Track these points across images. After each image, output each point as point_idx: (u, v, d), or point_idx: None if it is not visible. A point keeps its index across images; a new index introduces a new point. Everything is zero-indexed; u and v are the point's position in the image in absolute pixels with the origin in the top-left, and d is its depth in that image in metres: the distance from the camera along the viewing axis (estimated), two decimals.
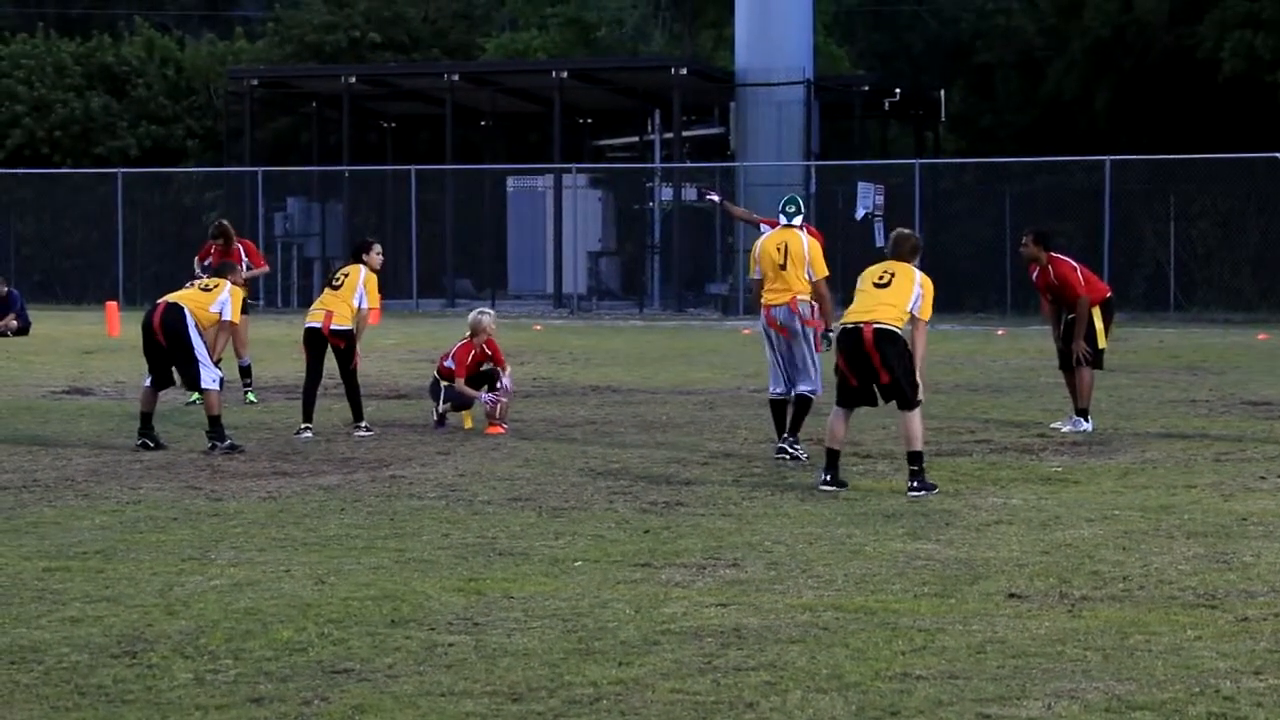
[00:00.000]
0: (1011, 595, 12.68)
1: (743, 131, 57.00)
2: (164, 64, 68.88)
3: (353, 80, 61.07)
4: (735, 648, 11.11)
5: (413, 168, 57.60)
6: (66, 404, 26.27)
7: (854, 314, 17.77)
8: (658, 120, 59.25)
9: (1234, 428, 23.21)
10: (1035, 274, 22.96)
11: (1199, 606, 12.33)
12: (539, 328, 45.98)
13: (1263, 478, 18.60)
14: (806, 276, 20.36)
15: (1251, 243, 53.39)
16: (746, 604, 12.38)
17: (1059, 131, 60.93)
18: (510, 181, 58.46)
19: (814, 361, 20.35)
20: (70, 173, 62.41)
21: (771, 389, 20.54)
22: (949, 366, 32.56)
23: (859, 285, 18.12)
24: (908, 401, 17.60)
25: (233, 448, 20.69)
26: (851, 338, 17.64)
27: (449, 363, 23.16)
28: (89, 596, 12.67)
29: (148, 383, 21.46)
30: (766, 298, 20.35)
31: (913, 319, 17.86)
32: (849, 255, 53.19)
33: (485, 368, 23.28)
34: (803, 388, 20.17)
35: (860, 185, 55.03)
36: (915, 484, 17.50)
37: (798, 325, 20.18)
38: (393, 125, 66.46)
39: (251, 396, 25.92)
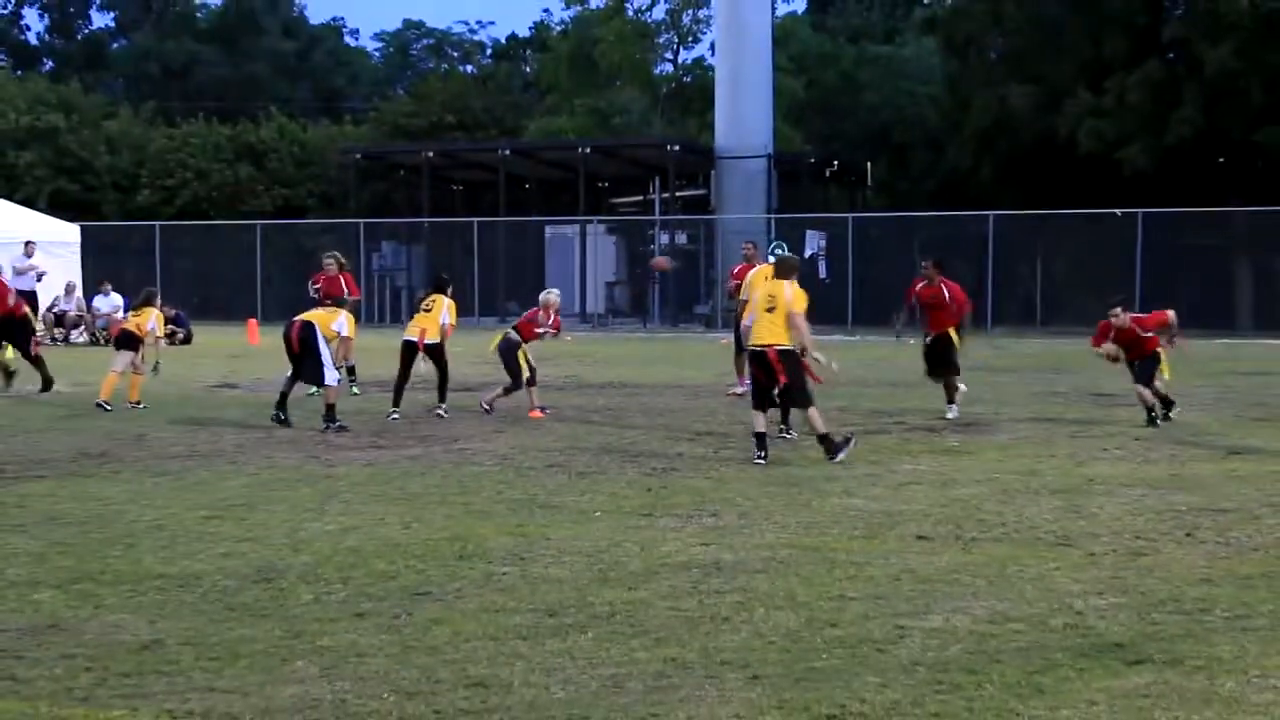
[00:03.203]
0: (920, 537, 12.69)
1: (720, 192, 57.02)
2: (292, 143, 68.94)
3: (430, 154, 61.09)
4: (715, 576, 11.11)
5: (475, 219, 57.55)
6: (219, 395, 26.26)
7: (758, 339, 17.59)
8: (657, 184, 59.28)
9: (1084, 413, 23.21)
10: (920, 286, 22.77)
11: (1058, 545, 12.33)
12: (569, 339, 45.91)
13: (1105, 449, 18.59)
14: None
15: (1097, 276, 53.36)
16: (723, 544, 12.37)
17: (955, 194, 60.91)
18: (548, 229, 58.46)
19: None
20: (222, 224, 62.43)
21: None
22: (874, 369, 32.53)
23: (756, 310, 17.90)
24: (802, 402, 17.60)
25: (342, 428, 20.69)
26: (761, 357, 17.53)
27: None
28: (235, 537, 12.69)
29: (289, 374, 21.78)
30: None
31: (790, 315, 17.60)
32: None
33: (541, 331, 23.44)
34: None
35: (808, 232, 54.94)
36: (832, 455, 17.38)
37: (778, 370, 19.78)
38: (460, 187, 66.44)
39: (355, 390, 25.87)
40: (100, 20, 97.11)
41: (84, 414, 22.85)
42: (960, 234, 54.18)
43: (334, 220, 61.85)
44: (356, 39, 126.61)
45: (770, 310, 17.62)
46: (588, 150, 58.05)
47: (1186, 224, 49.66)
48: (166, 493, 15.28)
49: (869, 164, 64.30)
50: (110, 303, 43.27)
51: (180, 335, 40.08)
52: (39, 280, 41.95)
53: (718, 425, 21.43)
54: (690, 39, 75.01)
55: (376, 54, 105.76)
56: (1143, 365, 21.51)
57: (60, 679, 8.51)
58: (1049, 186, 55.94)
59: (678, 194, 58.87)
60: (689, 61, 76.22)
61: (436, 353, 22.87)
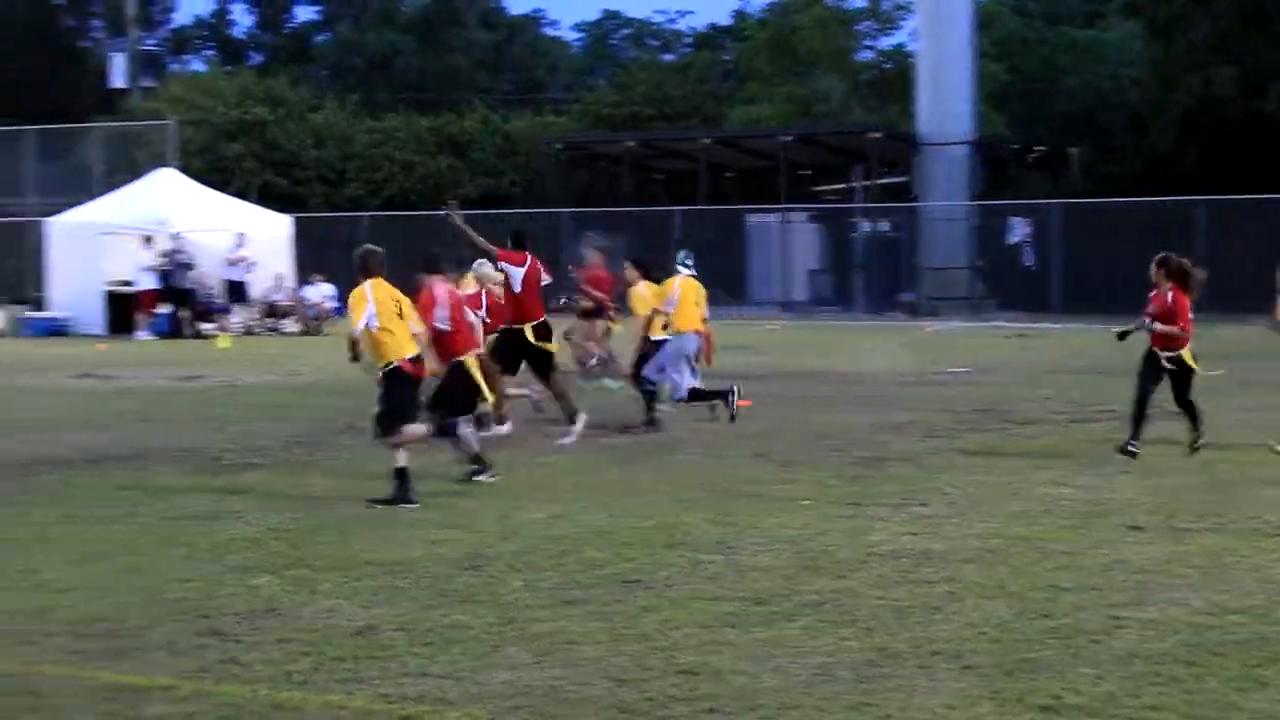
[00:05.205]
0: (1131, 527, 12.51)
1: (922, 179, 56.69)
2: (494, 133, 69.51)
3: (632, 144, 61.36)
4: (925, 566, 11.04)
5: (676, 209, 57.64)
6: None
7: (397, 353, 14.22)
8: (859, 171, 59.07)
9: None
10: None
11: (1277, 535, 12.10)
12: (771, 327, 45.87)
13: None
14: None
15: None
16: (932, 533, 12.29)
17: (1160, 178, 59.97)
18: (750, 218, 58.39)
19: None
20: (427, 214, 63.07)
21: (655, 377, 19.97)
22: (1081, 357, 32.11)
23: (388, 321, 14.17)
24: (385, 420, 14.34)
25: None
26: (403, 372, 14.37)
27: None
28: (445, 525, 12.83)
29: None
30: (698, 326, 19.86)
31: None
32: (1001, 272, 52.83)
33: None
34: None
35: (1012, 219, 54.43)
36: (391, 498, 13.97)
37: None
38: (662, 176, 66.61)
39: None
40: (305, 14, 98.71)
41: (295, 403, 23.19)
42: (1168, 218, 53.32)
43: (538, 210, 62.28)
44: (557, 30, 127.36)
45: (402, 318, 14.41)
46: (788, 138, 57.94)
47: None
48: (379, 480, 15.44)
49: (1073, 149, 63.49)
50: (320, 292, 43.96)
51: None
52: (249, 271, 42.79)
53: (924, 414, 21.28)
54: (890, 25, 74.60)
55: (577, 44, 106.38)
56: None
57: (279, 663, 8.65)
58: (1257, 169, 54.86)
59: (879, 181, 58.59)
60: (889, 48, 75.85)
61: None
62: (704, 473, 15.81)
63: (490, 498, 14.28)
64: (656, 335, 20.03)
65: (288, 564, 11.24)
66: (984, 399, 22.92)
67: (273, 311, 43.70)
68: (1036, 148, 62.55)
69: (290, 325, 43.56)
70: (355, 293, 14.37)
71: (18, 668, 8.58)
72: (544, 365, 18.82)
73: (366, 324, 14.13)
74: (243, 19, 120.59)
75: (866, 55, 75.59)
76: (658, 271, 21.52)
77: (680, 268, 20.20)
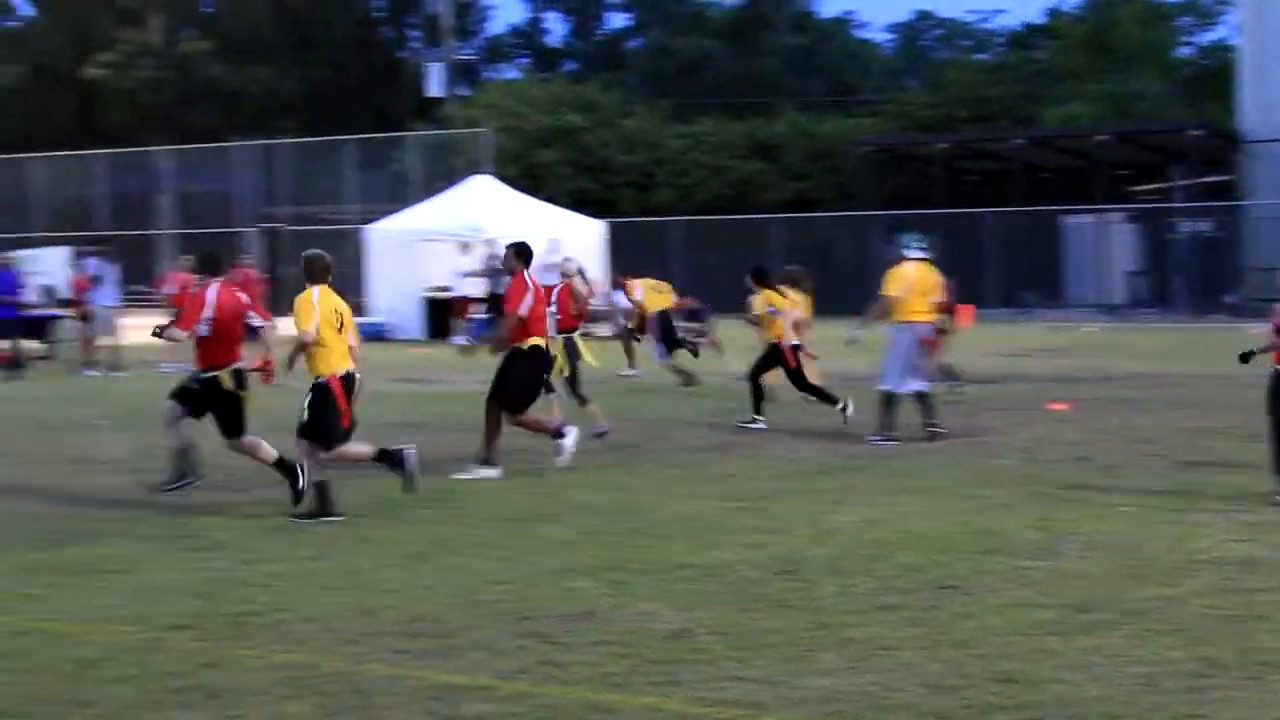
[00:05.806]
0: None
1: (1247, 177, 55.33)
2: (804, 136, 69.44)
3: (944, 145, 60.87)
4: (1251, 574, 10.77)
5: (989, 210, 56.98)
6: (739, 388, 26.34)
7: (329, 367, 13.93)
8: (1178, 170, 57.85)
9: None
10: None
11: None
12: (1088, 329, 45.10)
13: None
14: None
15: None
16: (1261, 540, 11.98)
17: None
18: (1065, 219, 57.53)
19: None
20: (736, 218, 63.28)
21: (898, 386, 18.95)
22: None
23: (327, 333, 13.88)
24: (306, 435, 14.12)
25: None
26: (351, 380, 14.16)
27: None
28: (758, 529, 12.84)
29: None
30: (924, 316, 19.07)
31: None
32: None
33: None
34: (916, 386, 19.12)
35: None
36: (306, 511, 13.96)
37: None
38: (976, 178, 65.94)
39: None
40: (617, 21, 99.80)
41: (616, 406, 23.37)
42: None
43: (848, 213, 62.08)
44: (868, 32, 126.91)
45: (341, 330, 14.12)
46: (1105, 137, 56.99)
47: None
48: (688, 484, 15.55)
49: None
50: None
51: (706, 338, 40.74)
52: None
53: (1249, 417, 20.71)
54: (1210, 20, 73.09)
55: (888, 46, 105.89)
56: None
57: (595, 665, 8.73)
58: None
59: (1200, 180, 57.30)
60: (1209, 43, 74.29)
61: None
62: (1022, 477, 15.60)
63: (803, 502, 14.27)
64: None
65: (603, 566, 11.35)
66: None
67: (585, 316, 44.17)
68: None
69: (603, 330, 44.00)
70: (303, 298, 13.99)
71: (345, 666, 8.79)
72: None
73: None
74: (556, 27, 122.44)
75: (1185, 51, 74.13)
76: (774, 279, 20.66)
77: (907, 251, 19.41)
